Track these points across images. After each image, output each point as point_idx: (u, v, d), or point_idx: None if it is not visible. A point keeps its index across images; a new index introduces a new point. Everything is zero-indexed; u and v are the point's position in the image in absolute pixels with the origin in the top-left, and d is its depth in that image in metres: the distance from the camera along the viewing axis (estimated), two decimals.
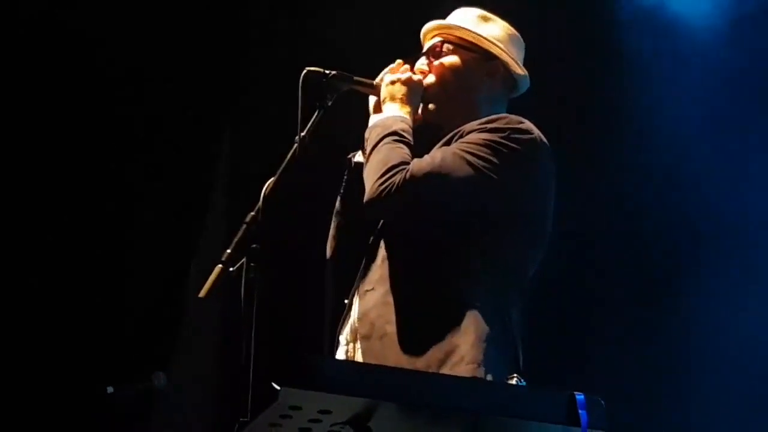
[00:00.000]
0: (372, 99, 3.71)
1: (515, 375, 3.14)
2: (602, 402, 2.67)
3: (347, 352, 3.44)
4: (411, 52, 3.79)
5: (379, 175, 3.35)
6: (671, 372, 5.85)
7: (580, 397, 2.65)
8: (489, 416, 2.64)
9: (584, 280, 6.08)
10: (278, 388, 2.48)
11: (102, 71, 6.35)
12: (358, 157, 3.66)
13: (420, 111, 3.65)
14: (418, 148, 3.47)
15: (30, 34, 6.27)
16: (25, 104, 6.33)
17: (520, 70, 3.70)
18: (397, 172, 3.33)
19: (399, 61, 3.73)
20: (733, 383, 5.69)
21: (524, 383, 3.14)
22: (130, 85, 6.37)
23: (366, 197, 3.38)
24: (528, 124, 3.48)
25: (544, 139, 3.49)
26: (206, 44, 6.47)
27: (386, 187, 3.32)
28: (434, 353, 3.21)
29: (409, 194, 3.32)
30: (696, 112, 5.95)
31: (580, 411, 2.63)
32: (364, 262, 3.51)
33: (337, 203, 3.72)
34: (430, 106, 3.68)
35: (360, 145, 3.65)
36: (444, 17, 3.80)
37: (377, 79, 3.70)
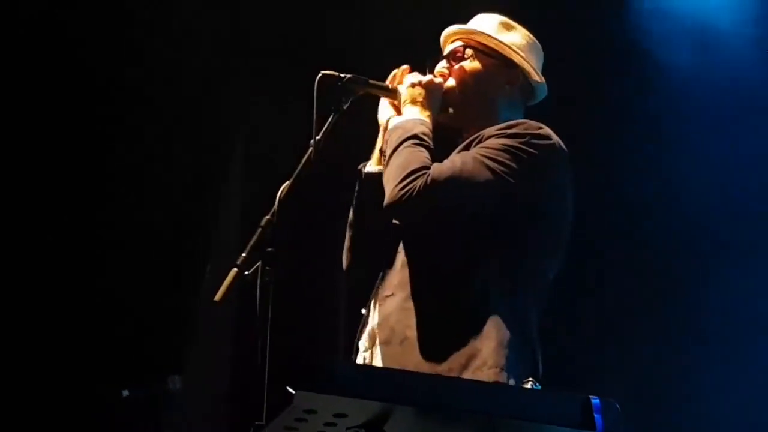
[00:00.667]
0: (382, 106, 3.71)
1: (530, 378, 3.13)
2: (617, 405, 2.66)
3: (365, 358, 3.43)
4: (423, 55, 3.79)
5: (400, 179, 3.35)
6: (687, 374, 5.84)
7: (595, 400, 2.64)
8: (504, 419, 2.64)
9: (601, 282, 6.07)
10: (293, 391, 2.48)
11: (117, 66, 6.35)
12: (369, 167, 3.66)
13: (439, 114, 3.64)
14: (438, 152, 3.47)
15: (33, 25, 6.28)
16: (34, 96, 6.35)
17: (538, 78, 3.71)
18: (418, 177, 3.33)
19: (405, 66, 3.73)
20: (751, 386, 5.69)
21: (539, 387, 3.13)
22: (143, 84, 6.38)
23: (386, 201, 3.38)
24: (547, 130, 3.48)
25: (563, 145, 3.50)
26: (222, 44, 6.48)
27: (407, 192, 3.32)
28: (456, 358, 3.20)
29: (430, 198, 3.32)
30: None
31: (595, 415, 2.63)
32: (383, 267, 3.51)
33: (350, 215, 3.72)
34: (450, 109, 3.68)
35: (370, 154, 3.65)
36: (456, 22, 3.80)
37: (387, 82, 3.70)
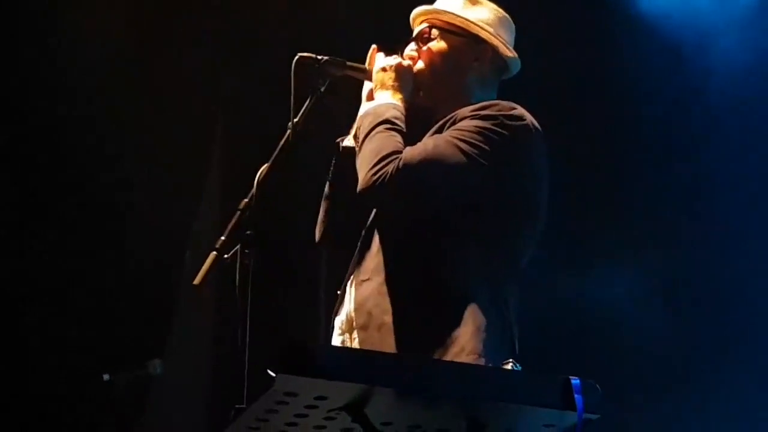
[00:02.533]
0: (366, 84, 3.70)
1: (510, 360, 3.13)
2: (598, 387, 2.67)
3: (343, 341, 3.42)
4: (402, 36, 3.77)
5: (372, 164, 3.33)
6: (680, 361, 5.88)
7: (575, 381, 2.65)
8: (484, 401, 2.64)
9: (583, 264, 6.08)
10: (274, 374, 2.48)
11: (99, 61, 6.33)
12: (347, 141, 3.64)
13: (411, 97, 3.63)
14: (411, 134, 3.45)
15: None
16: (20, 95, 6.33)
17: (509, 52, 3.67)
18: (390, 161, 3.31)
19: (374, 46, 3.71)
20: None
21: (519, 368, 3.13)
22: (122, 74, 6.35)
23: (359, 187, 3.36)
24: (520, 110, 3.46)
25: (537, 125, 3.47)
26: (197, 32, 6.46)
27: (379, 177, 3.30)
28: (433, 344, 3.19)
29: (403, 183, 3.30)
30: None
31: (575, 395, 2.63)
32: (358, 250, 3.49)
33: (326, 188, 3.71)
34: (421, 92, 3.66)
35: (349, 129, 3.64)
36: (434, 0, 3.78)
37: (367, 64, 3.69)
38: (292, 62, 3.50)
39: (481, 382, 2.66)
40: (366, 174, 3.34)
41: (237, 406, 2.84)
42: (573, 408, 2.62)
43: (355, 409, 2.61)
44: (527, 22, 3.85)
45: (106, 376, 5.78)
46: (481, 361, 3.15)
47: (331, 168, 3.68)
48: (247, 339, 3.08)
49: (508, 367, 3.09)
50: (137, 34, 6.32)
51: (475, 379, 2.67)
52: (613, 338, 5.89)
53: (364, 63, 3.69)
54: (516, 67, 3.73)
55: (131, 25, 6.30)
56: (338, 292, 3.52)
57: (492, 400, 2.64)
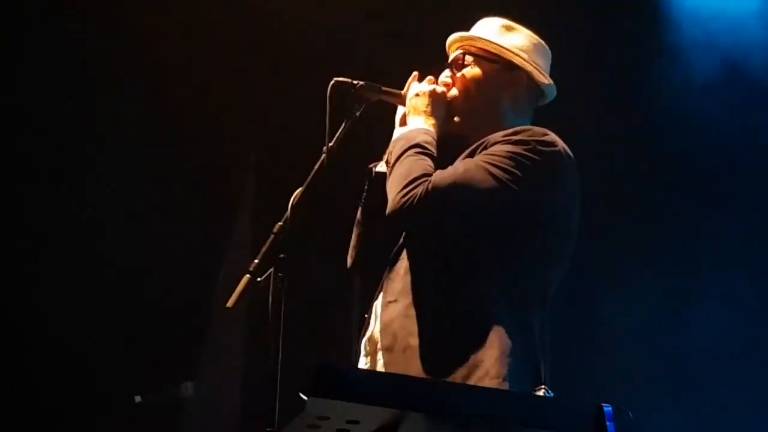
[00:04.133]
0: (400, 109, 3.71)
1: (543, 386, 3.13)
2: (630, 414, 2.66)
3: (368, 363, 3.43)
4: (439, 62, 3.78)
5: (401, 187, 3.34)
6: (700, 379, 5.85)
7: (607, 408, 2.64)
8: (516, 427, 2.63)
9: (615, 289, 6.07)
10: (306, 398, 2.48)
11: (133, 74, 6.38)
12: (380, 167, 3.65)
13: (445, 123, 3.64)
14: (446, 161, 3.46)
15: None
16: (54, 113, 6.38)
17: (544, 79, 3.67)
18: (419, 184, 3.32)
19: (415, 73, 3.72)
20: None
21: (551, 394, 3.13)
22: (157, 97, 6.39)
23: (388, 209, 3.37)
24: (552, 137, 3.46)
25: (569, 152, 3.47)
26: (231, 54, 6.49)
27: (408, 199, 3.31)
28: (458, 368, 3.19)
29: (431, 206, 3.30)
30: None
31: (607, 423, 2.62)
32: (386, 272, 3.50)
33: (359, 213, 3.72)
34: (455, 118, 3.66)
35: (383, 155, 3.65)
36: (471, 26, 3.79)
37: (404, 90, 3.70)
38: (327, 86, 3.52)
39: (513, 408, 2.66)
40: (395, 196, 3.35)
41: (268, 429, 2.84)
42: None
43: None
44: (566, 50, 3.85)
45: (137, 398, 5.80)
46: (505, 386, 3.14)
47: (364, 193, 3.69)
48: (280, 362, 3.08)
49: (540, 393, 3.09)
50: (170, 58, 6.35)
51: (507, 405, 2.67)
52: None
53: (398, 88, 3.71)
54: (552, 94, 3.73)
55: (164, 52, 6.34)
56: (365, 316, 3.53)
57: (524, 426, 2.63)
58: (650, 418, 5.08)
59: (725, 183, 6.09)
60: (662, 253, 6.08)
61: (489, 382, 3.13)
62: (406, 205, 3.31)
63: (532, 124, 3.63)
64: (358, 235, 3.71)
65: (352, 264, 3.74)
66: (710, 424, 5.74)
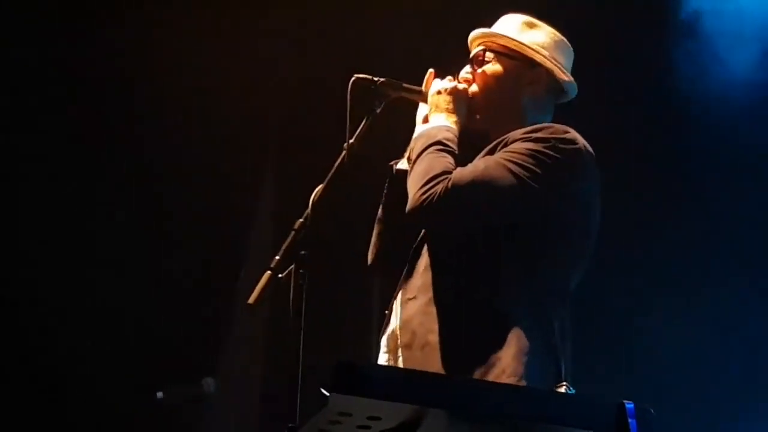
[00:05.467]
0: (421, 106, 3.71)
1: (564, 383, 3.12)
2: (652, 411, 2.65)
3: (387, 360, 3.43)
4: (459, 59, 3.78)
5: (421, 184, 3.34)
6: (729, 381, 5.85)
7: (629, 405, 2.63)
8: (537, 424, 2.63)
9: (638, 287, 6.06)
10: (327, 394, 2.49)
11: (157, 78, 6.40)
12: (401, 164, 3.66)
13: (466, 120, 3.63)
14: (466, 157, 3.45)
15: None
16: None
17: (565, 76, 3.66)
18: (439, 182, 3.32)
19: (431, 70, 3.72)
20: None
21: (573, 391, 3.12)
22: (180, 93, 6.41)
23: (408, 206, 3.37)
24: (573, 134, 3.45)
25: (590, 149, 3.47)
26: (251, 51, 6.50)
27: (428, 197, 3.31)
28: (476, 365, 3.19)
29: (451, 203, 3.31)
30: None
31: (629, 420, 2.61)
32: (406, 269, 3.50)
33: (380, 210, 3.72)
34: (476, 115, 3.66)
35: (403, 153, 3.65)
36: (494, 23, 3.79)
37: (424, 87, 3.70)
38: (348, 83, 3.52)
39: (535, 405, 2.66)
40: (415, 194, 3.35)
41: (290, 425, 2.85)
42: None
43: (408, 429, 2.61)
44: (587, 47, 3.84)
45: (159, 394, 5.80)
46: (522, 383, 3.14)
47: (384, 191, 3.69)
48: (301, 358, 3.09)
49: (562, 390, 3.08)
50: (187, 55, 6.37)
51: (527, 402, 2.67)
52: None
53: (419, 86, 3.70)
54: (573, 91, 3.72)
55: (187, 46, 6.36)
56: (386, 312, 3.53)
57: (545, 423, 2.63)
58: (674, 417, 5.06)
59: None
60: (687, 253, 6.06)
61: (506, 380, 3.14)
62: (426, 202, 3.31)
63: (554, 121, 3.62)
64: (378, 233, 3.72)
65: (372, 262, 3.75)
66: (733, 425, 5.73)
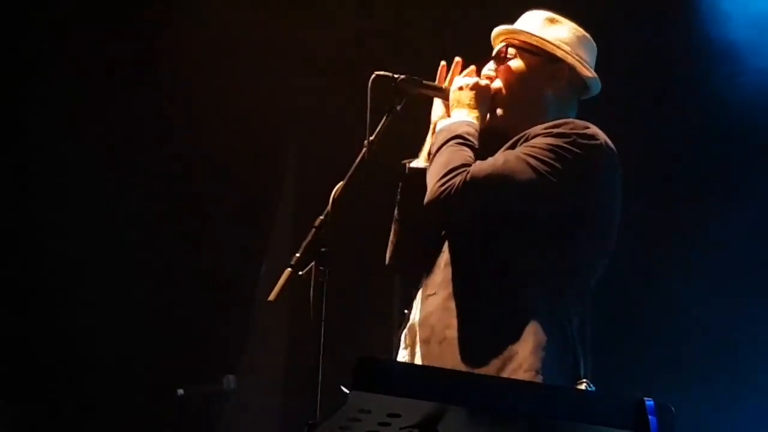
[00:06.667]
0: (436, 103, 3.71)
1: (585, 380, 3.11)
2: (672, 408, 2.64)
3: (405, 356, 3.43)
4: (481, 56, 3.77)
5: (440, 176, 3.34)
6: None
7: (649, 402, 2.63)
8: (557, 421, 2.63)
9: (660, 285, 6.04)
10: (348, 391, 2.49)
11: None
12: (414, 163, 3.66)
13: (489, 116, 3.63)
14: (489, 152, 3.45)
15: None
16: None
17: (588, 72, 3.65)
18: (457, 174, 3.32)
19: (458, 59, 3.71)
20: None
21: (593, 388, 3.12)
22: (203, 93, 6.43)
23: (426, 198, 3.38)
24: (594, 129, 3.44)
25: (611, 145, 3.46)
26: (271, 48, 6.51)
27: (446, 189, 3.31)
28: (492, 360, 3.19)
29: (469, 195, 3.31)
30: None
31: (649, 417, 2.61)
32: (426, 265, 3.50)
33: (396, 210, 3.72)
34: (498, 111, 3.65)
35: (418, 151, 3.66)
36: (516, 19, 3.78)
37: (446, 83, 3.70)
38: (368, 80, 3.52)
39: (555, 402, 2.65)
40: (433, 186, 3.35)
41: (310, 422, 2.85)
42: (647, 430, 2.60)
43: (428, 427, 2.60)
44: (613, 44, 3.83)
45: (180, 391, 5.83)
46: (539, 379, 3.14)
47: (399, 190, 3.69)
48: (321, 355, 3.09)
49: (582, 387, 3.08)
50: (210, 47, 6.39)
51: (547, 399, 2.66)
52: None
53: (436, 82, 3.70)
54: (596, 87, 3.71)
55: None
56: (405, 311, 3.53)
57: (565, 420, 2.62)
58: (695, 414, 5.05)
59: None
60: (708, 245, 6.03)
61: (522, 375, 3.14)
62: (444, 194, 3.32)
63: (576, 117, 3.61)
64: (395, 232, 3.72)
65: (390, 260, 3.74)
66: (757, 423, 5.72)
